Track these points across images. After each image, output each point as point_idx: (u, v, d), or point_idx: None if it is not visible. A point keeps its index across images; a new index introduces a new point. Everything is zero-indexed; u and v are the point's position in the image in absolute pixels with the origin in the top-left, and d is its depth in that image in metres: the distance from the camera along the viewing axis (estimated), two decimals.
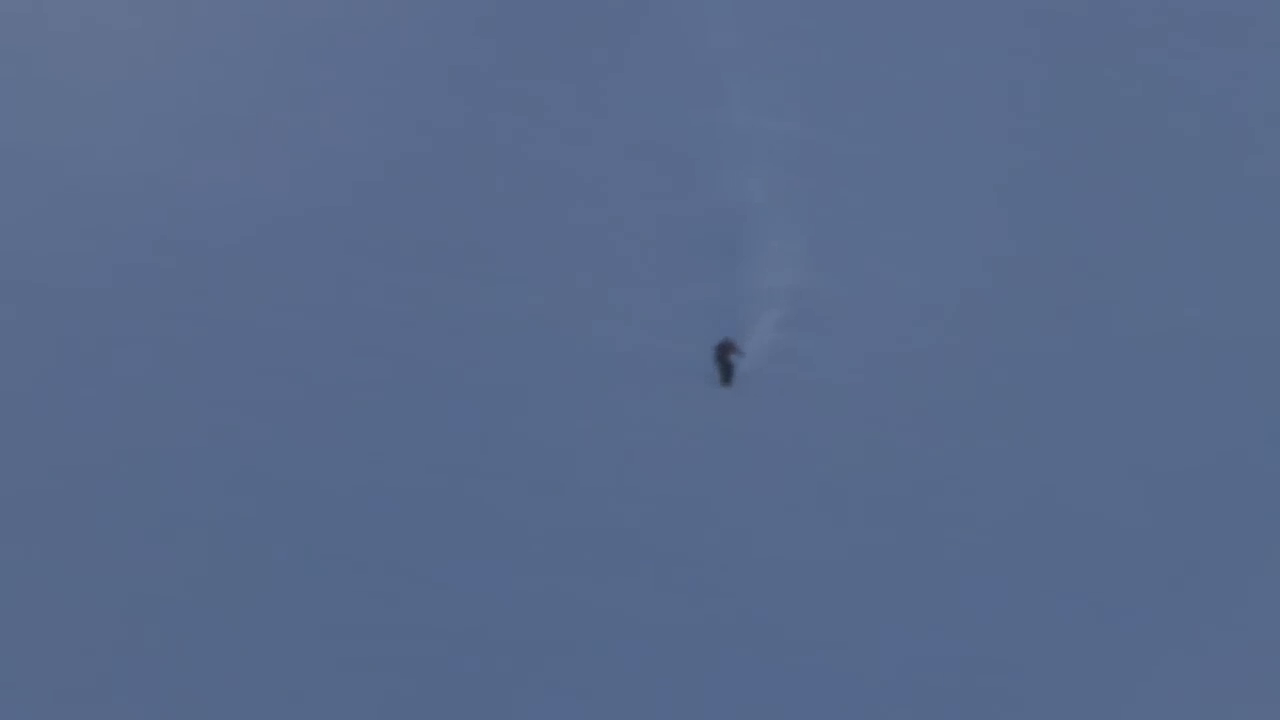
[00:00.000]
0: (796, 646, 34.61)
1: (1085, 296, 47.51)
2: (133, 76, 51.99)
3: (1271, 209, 51.38)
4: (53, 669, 31.82)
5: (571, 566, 36.40)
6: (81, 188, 46.62)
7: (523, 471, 39.12)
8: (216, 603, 33.71)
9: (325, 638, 33.29)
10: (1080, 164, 53.34)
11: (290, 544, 35.68)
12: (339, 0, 57.92)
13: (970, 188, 51.79)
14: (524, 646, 33.86)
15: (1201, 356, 45.03)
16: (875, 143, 53.68)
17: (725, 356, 42.88)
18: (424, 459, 39.02)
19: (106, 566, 34.30)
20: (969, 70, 57.71)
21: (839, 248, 48.93)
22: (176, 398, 39.59)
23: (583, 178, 51.73)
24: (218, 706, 31.66)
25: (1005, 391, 43.75)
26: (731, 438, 41.47)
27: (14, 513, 35.34)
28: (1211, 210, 51.32)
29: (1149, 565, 37.38)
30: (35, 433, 37.72)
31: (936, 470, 40.77)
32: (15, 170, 46.99)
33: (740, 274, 47.34)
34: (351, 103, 53.43)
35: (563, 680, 33.17)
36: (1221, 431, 42.11)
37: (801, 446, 41.48)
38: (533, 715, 32.47)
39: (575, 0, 59.42)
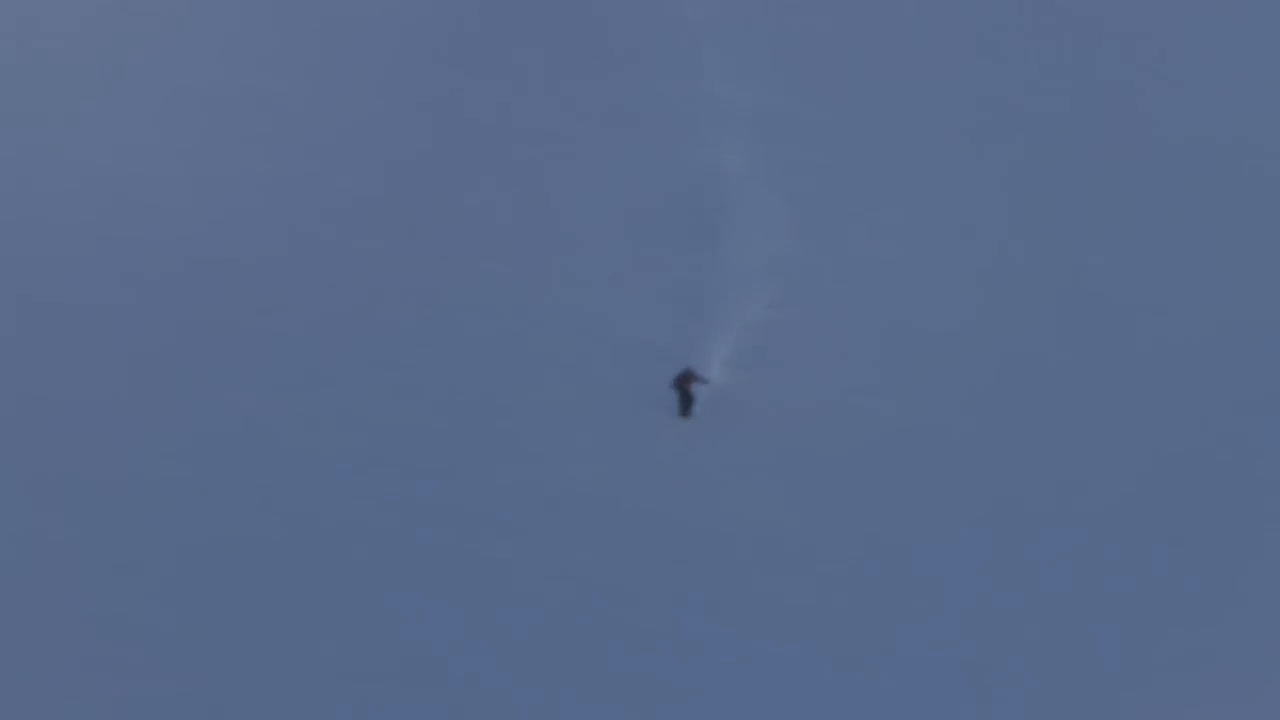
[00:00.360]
0: (787, 635, 34.43)
1: (1071, 262, 47.29)
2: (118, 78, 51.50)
3: (1263, 196, 50.66)
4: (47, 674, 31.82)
5: (555, 543, 36.34)
6: (81, 191, 46.37)
7: (496, 448, 38.97)
8: (211, 604, 33.65)
9: (322, 634, 33.13)
10: (1067, 136, 52.89)
11: (284, 535, 35.66)
12: None
13: (952, 157, 51.46)
14: (517, 637, 33.78)
15: (1201, 339, 44.44)
16: (855, 113, 53.41)
17: (685, 386, 40.18)
18: (402, 429, 39.05)
19: (113, 566, 34.43)
20: (953, 40, 57.43)
21: (820, 219, 48.62)
22: (172, 400, 39.37)
23: (560, 147, 51.45)
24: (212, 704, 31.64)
25: (994, 361, 43.51)
26: (716, 413, 41.13)
27: (16, 517, 35.37)
28: (1203, 188, 50.64)
29: (1147, 563, 36.65)
30: (38, 439, 37.70)
31: (926, 444, 40.55)
32: (13, 177, 46.65)
33: (720, 245, 47.16)
34: (330, 79, 53.36)
35: (553, 674, 32.93)
36: (1217, 420, 41.51)
37: (788, 419, 41.25)
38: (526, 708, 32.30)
39: None
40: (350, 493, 37.03)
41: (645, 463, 39.26)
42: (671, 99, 53.32)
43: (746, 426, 40.88)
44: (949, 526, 37.68)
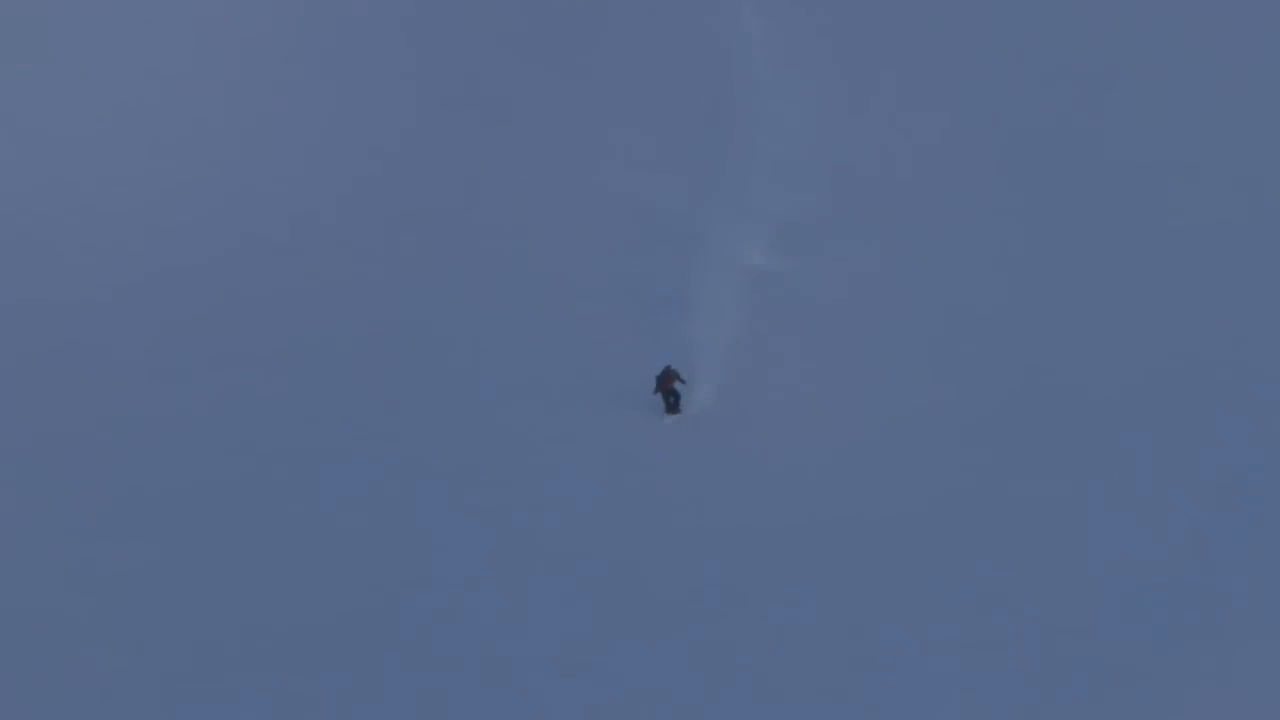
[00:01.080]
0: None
1: (1110, 138, 46.89)
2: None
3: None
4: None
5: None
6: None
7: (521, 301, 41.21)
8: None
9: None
10: (1100, 22, 51.44)
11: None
12: None
13: (990, 39, 50.81)
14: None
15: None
16: None
17: (668, 386, 38.31)
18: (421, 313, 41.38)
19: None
20: None
21: (848, 99, 48.45)
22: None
23: (581, 24, 52.21)
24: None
25: (1033, 237, 43.32)
26: (762, 297, 41.92)
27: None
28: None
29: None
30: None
31: (963, 325, 40.65)
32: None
33: (748, 124, 47.19)
34: None
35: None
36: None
37: (824, 298, 41.89)
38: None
39: None
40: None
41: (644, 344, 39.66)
42: None
43: (781, 310, 41.69)
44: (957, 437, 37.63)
